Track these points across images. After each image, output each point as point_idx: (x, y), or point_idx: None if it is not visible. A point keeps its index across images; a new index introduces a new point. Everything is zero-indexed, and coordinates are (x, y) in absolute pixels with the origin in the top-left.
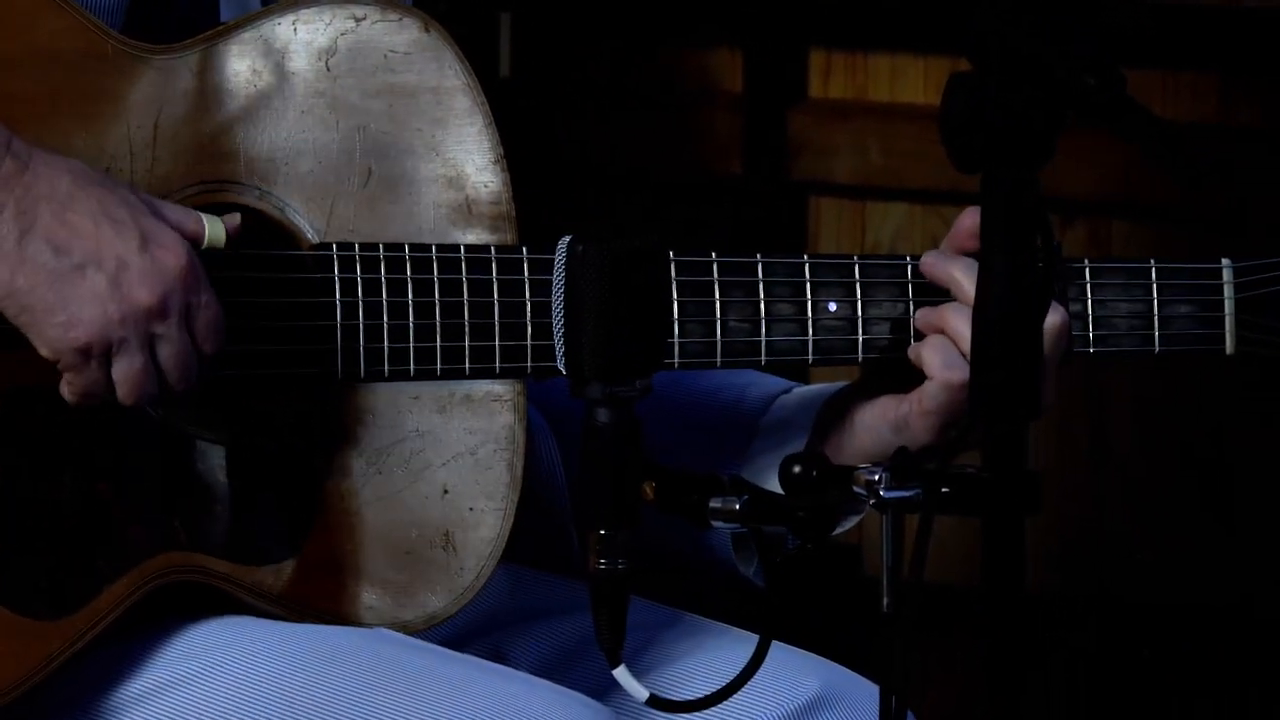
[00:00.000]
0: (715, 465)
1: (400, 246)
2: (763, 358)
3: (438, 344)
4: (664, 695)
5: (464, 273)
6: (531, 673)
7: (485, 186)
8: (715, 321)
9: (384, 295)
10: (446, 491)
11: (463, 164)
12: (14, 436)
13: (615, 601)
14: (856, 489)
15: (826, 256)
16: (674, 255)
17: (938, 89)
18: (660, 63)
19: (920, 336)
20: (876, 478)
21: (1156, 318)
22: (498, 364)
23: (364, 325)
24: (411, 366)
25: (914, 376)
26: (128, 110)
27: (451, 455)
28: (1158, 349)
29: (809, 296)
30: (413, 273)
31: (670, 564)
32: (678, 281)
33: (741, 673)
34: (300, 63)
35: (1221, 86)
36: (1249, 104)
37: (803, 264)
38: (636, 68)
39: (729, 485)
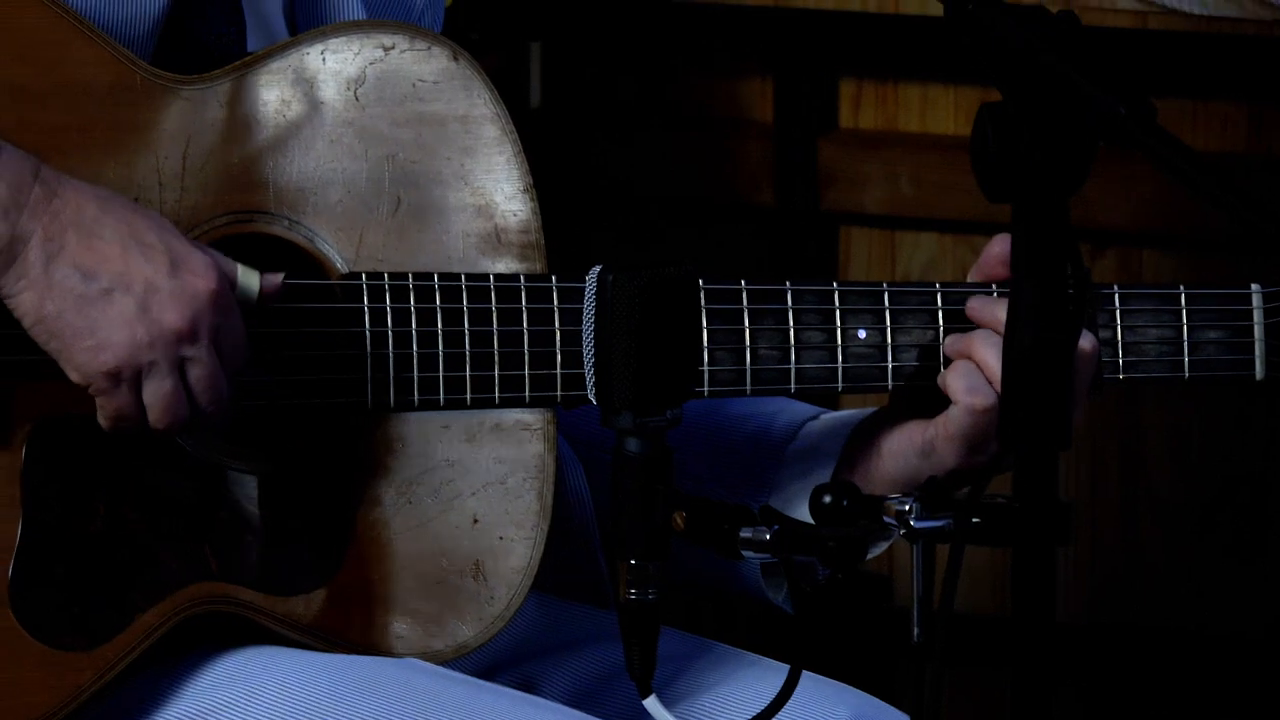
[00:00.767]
0: (743, 493)
1: (429, 276)
2: (792, 385)
3: (467, 373)
4: None
5: (493, 302)
6: (561, 703)
7: (514, 215)
8: (745, 349)
9: (413, 325)
10: (476, 521)
11: (491, 193)
12: (46, 466)
13: (646, 632)
14: (887, 519)
15: (855, 284)
16: (703, 284)
17: (968, 119)
18: (691, 92)
19: (949, 364)
20: (907, 507)
21: (1186, 343)
22: (527, 393)
23: (393, 355)
24: (441, 396)
25: (941, 402)
26: (156, 141)
27: (481, 484)
28: (1187, 375)
29: (838, 324)
30: (442, 302)
31: (701, 591)
32: (707, 310)
33: (772, 702)
34: (329, 92)
35: (1251, 116)
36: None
37: (832, 291)
38: (667, 97)
39: (759, 515)
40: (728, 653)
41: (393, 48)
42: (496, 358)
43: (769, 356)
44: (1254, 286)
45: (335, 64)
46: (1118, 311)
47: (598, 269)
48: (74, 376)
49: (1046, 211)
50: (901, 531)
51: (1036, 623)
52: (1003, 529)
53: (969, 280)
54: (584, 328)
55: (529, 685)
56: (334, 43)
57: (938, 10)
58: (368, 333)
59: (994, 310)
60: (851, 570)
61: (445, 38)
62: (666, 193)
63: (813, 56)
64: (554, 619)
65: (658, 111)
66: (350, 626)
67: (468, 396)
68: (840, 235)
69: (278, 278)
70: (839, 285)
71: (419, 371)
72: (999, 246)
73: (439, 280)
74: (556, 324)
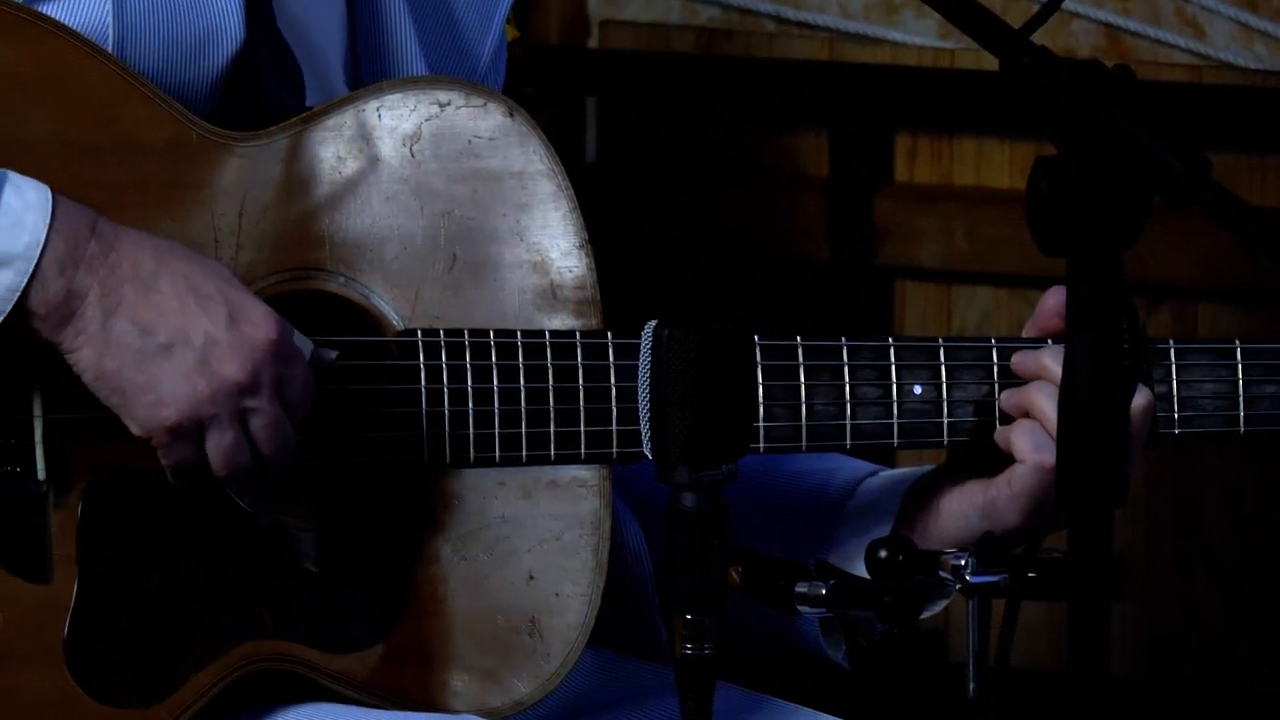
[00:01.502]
0: (802, 549)
1: (485, 332)
2: (848, 441)
3: (523, 430)
4: None
5: (549, 358)
6: None
7: (570, 271)
8: (801, 405)
9: (469, 381)
10: (532, 577)
11: (547, 249)
12: (102, 524)
13: (702, 687)
14: (943, 574)
15: (911, 339)
16: (759, 340)
17: (1023, 173)
18: (747, 146)
19: (1005, 419)
20: (963, 562)
21: (1242, 398)
22: (583, 449)
23: (449, 411)
24: (497, 452)
25: (999, 460)
26: (213, 198)
27: (537, 541)
28: (1243, 429)
29: (894, 379)
30: (498, 358)
31: (757, 647)
32: (763, 365)
33: None
34: (385, 149)
35: None
36: None
37: (887, 347)
38: (723, 152)
39: (815, 570)
40: (784, 708)
41: (449, 104)
42: (552, 414)
43: (825, 412)
44: None
45: (391, 120)
46: (1173, 366)
47: (653, 324)
48: (136, 431)
49: (1102, 265)
50: (957, 586)
51: (1092, 678)
52: (1058, 583)
53: (1025, 334)
54: (639, 382)
55: None
56: (390, 99)
57: (993, 64)
58: (424, 390)
59: (1040, 360)
60: (908, 625)
61: (501, 93)
62: (722, 247)
63: (868, 110)
64: (610, 674)
65: (713, 166)
66: (407, 683)
67: (523, 453)
68: (896, 289)
69: (332, 354)
70: (894, 341)
71: (475, 428)
72: (1054, 299)
73: (495, 337)
74: (612, 380)
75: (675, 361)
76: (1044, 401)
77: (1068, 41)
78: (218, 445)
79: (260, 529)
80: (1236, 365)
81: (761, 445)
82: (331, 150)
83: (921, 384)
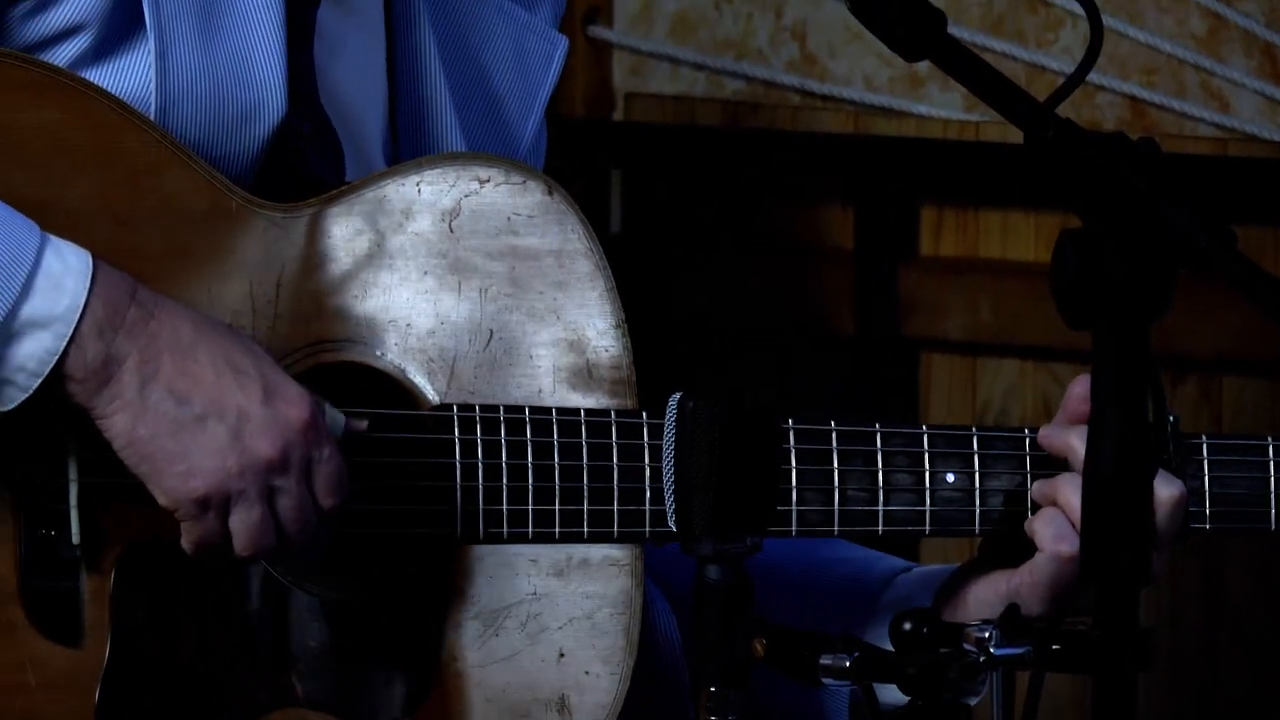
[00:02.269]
0: None
1: (520, 409)
2: (880, 527)
3: (556, 507)
4: None
5: (584, 436)
6: None
7: (606, 351)
8: (833, 490)
9: (503, 457)
10: (563, 655)
11: (584, 328)
12: (135, 591)
13: None
14: (967, 646)
15: (945, 427)
16: (793, 423)
17: (1049, 245)
18: (771, 219)
19: (1036, 508)
20: (987, 634)
21: (1274, 495)
22: (616, 528)
23: (483, 487)
24: (530, 529)
25: (1028, 549)
26: (251, 268)
27: (568, 619)
28: (1274, 526)
29: (927, 467)
30: (532, 435)
31: None
32: (796, 449)
33: None
34: (423, 224)
35: None
36: None
37: (921, 434)
38: (747, 224)
39: (839, 642)
40: None
41: (488, 180)
42: (585, 492)
43: (857, 498)
44: None
45: (431, 195)
46: (1205, 462)
47: (678, 396)
48: (162, 501)
49: (1127, 338)
50: (982, 659)
51: None
52: (1083, 656)
53: (1054, 423)
54: (664, 454)
55: None
56: (430, 174)
57: (1018, 137)
58: (458, 464)
59: (1067, 439)
60: (932, 698)
61: (540, 172)
62: (746, 319)
63: (893, 183)
64: None
65: (738, 238)
66: None
67: (556, 530)
68: (921, 362)
69: (363, 423)
70: (928, 429)
71: (508, 504)
72: (1080, 387)
73: (529, 414)
74: (646, 460)
75: (700, 434)
76: (1070, 491)
77: (1092, 114)
78: (243, 523)
79: (291, 598)
80: (1269, 463)
81: (794, 529)
82: (370, 224)
83: (954, 472)
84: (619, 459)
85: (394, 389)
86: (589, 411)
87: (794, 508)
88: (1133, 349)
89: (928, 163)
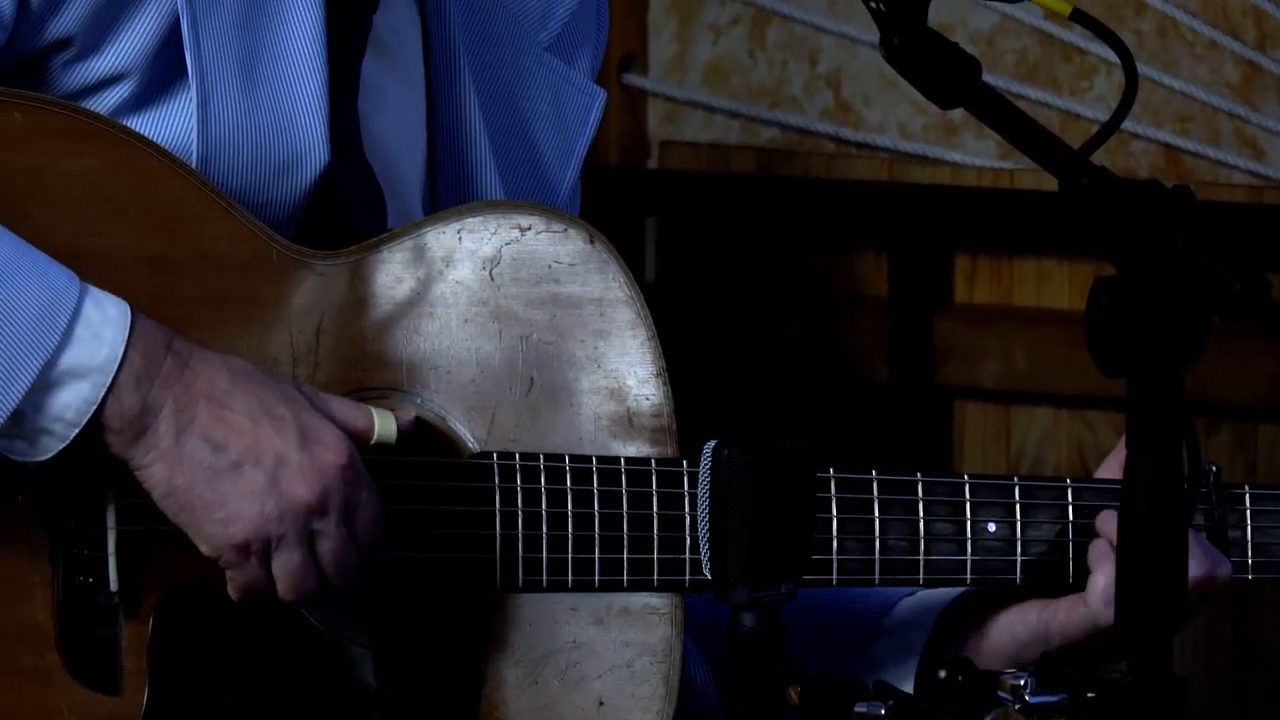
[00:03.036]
0: (838, 662)
1: (561, 457)
2: (921, 576)
3: (596, 556)
4: None
5: (624, 485)
6: None
7: (647, 399)
8: (874, 539)
9: (543, 505)
10: (602, 703)
11: (625, 376)
12: (173, 637)
13: None
14: (1002, 694)
15: (986, 476)
16: (834, 472)
17: (1083, 294)
18: (806, 267)
19: (1081, 551)
20: (1022, 682)
21: None
22: (655, 577)
23: (523, 535)
24: (570, 577)
25: (1062, 586)
26: (291, 316)
27: (608, 667)
28: None
29: (968, 516)
30: (572, 483)
31: None
32: (837, 499)
33: None
34: (464, 271)
35: None
36: None
37: (963, 484)
38: (782, 272)
39: (874, 690)
40: None
41: (529, 228)
42: (625, 541)
43: (898, 547)
44: None
45: (471, 243)
46: (1248, 512)
47: (713, 443)
48: (204, 549)
49: (1162, 387)
50: (1016, 706)
51: None
52: (1118, 705)
53: (1097, 474)
54: (699, 501)
55: None
56: (470, 222)
57: (1053, 184)
58: (498, 512)
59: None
60: None
61: (581, 220)
62: (781, 368)
63: (928, 231)
64: None
65: (773, 286)
66: None
67: (596, 579)
68: (955, 410)
69: (410, 412)
70: (970, 478)
71: (548, 553)
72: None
73: (570, 462)
74: (686, 509)
75: (734, 480)
76: None
77: (1127, 162)
78: (285, 567)
79: (331, 645)
80: None
81: (834, 578)
82: (411, 271)
83: (996, 521)
84: (659, 507)
85: (435, 436)
86: (629, 460)
87: (834, 557)
88: (1167, 397)
89: (962, 210)
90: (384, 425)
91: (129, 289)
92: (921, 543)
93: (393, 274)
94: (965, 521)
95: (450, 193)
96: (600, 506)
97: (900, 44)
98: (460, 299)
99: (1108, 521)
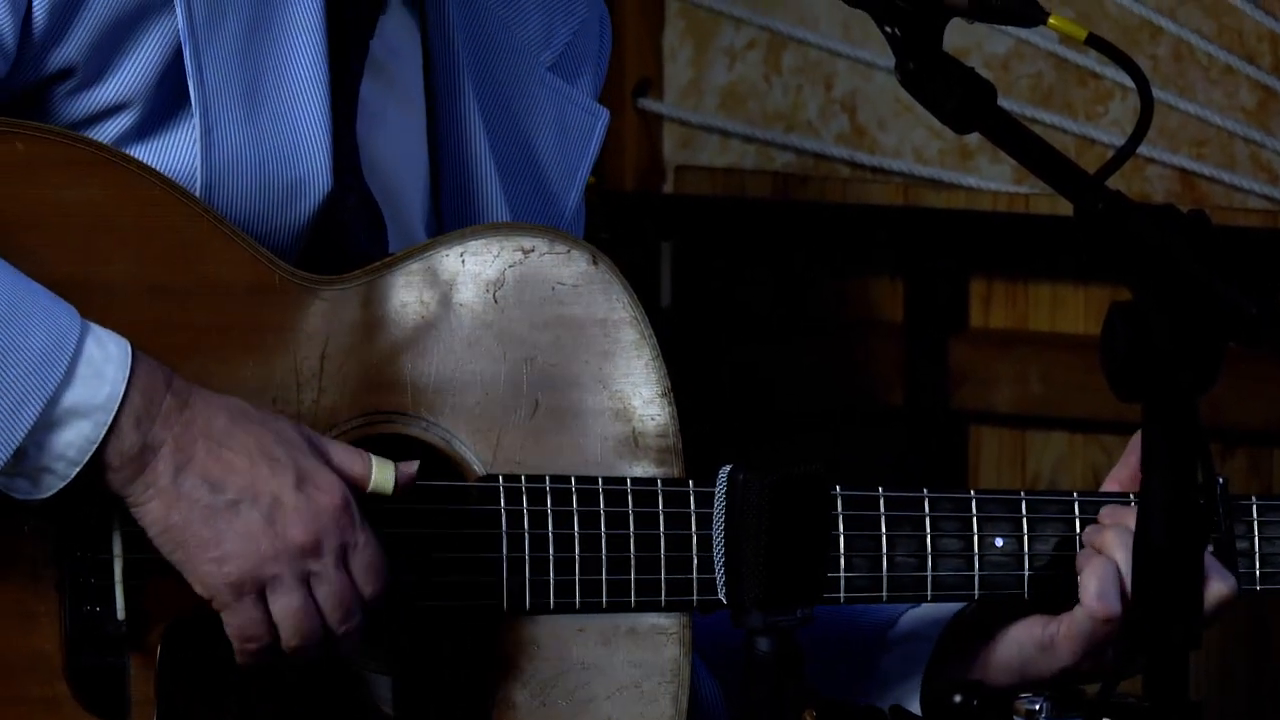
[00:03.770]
0: (844, 677)
1: (566, 478)
2: (929, 592)
3: (603, 576)
4: None
5: (630, 505)
6: None
7: (652, 420)
8: (881, 556)
9: (550, 527)
10: None
11: (630, 397)
12: (180, 666)
13: None
14: (1017, 718)
15: (992, 492)
16: (840, 490)
17: (1098, 318)
18: (821, 292)
19: (1085, 552)
20: (1037, 707)
21: None
22: (663, 597)
23: (530, 557)
24: (577, 599)
25: (1071, 599)
26: (295, 341)
27: (616, 688)
28: None
29: (975, 532)
30: (579, 505)
31: None
32: (845, 516)
33: None
34: (468, 294)
35: None
36: None
37: (969, 499)
38: (798, 295)
39: (890, 715)
40: None
41: (532, 250)
42: (633, 561)
43: (906, 563)
44: None
45: (475, 266)
46: (1255, 523)
47: (728, 468)
48: (198, 589)
49: (1177, 411)
50: None
51: None
52: None
53: (1103, 487)
54: (714, 526)
55: None
56: (473, 245)
57: (1068, 209)
58: (504, 535)
59: (1122, 516)
60: None
61: (584, 241)
62: (796, 392)
63: (943, 255)
64: None
65: (788, 310)
66: None
67: (603, 600)
68: (970, 434)
69: (412, 466)
70: (976, 494)
71: (555, 574)
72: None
73: (576, 483)
74: (693, 528)
75: (750, 505)
76: (1118, 547)
77: (1142, 186)
78: (285, 610)
79: (337, 672)
80: None
81: (842, 595)
82: (414, 295)
83: (1003, 537)
84: (666, 527)
85: (440, 460)
86: (635, 480)
87: (841, 574)
88: (1182, 421)
89: (977, 235)
90: (381, 475)
91: (132, 317)
92: (929, 559)
93: (397, 298)
94: (972, 537)
95: (455, 213)
96: (607, 527)
97: (915, 68)
98: (465, 322)
99: (1095, 533)
